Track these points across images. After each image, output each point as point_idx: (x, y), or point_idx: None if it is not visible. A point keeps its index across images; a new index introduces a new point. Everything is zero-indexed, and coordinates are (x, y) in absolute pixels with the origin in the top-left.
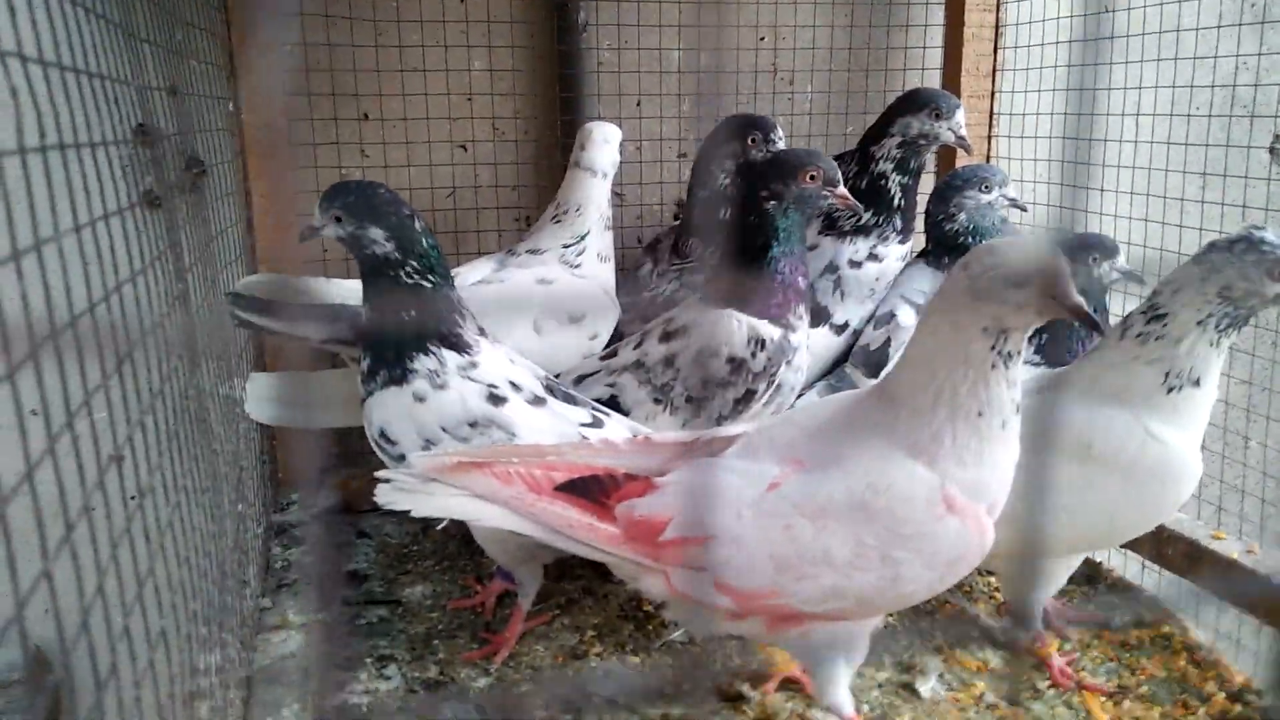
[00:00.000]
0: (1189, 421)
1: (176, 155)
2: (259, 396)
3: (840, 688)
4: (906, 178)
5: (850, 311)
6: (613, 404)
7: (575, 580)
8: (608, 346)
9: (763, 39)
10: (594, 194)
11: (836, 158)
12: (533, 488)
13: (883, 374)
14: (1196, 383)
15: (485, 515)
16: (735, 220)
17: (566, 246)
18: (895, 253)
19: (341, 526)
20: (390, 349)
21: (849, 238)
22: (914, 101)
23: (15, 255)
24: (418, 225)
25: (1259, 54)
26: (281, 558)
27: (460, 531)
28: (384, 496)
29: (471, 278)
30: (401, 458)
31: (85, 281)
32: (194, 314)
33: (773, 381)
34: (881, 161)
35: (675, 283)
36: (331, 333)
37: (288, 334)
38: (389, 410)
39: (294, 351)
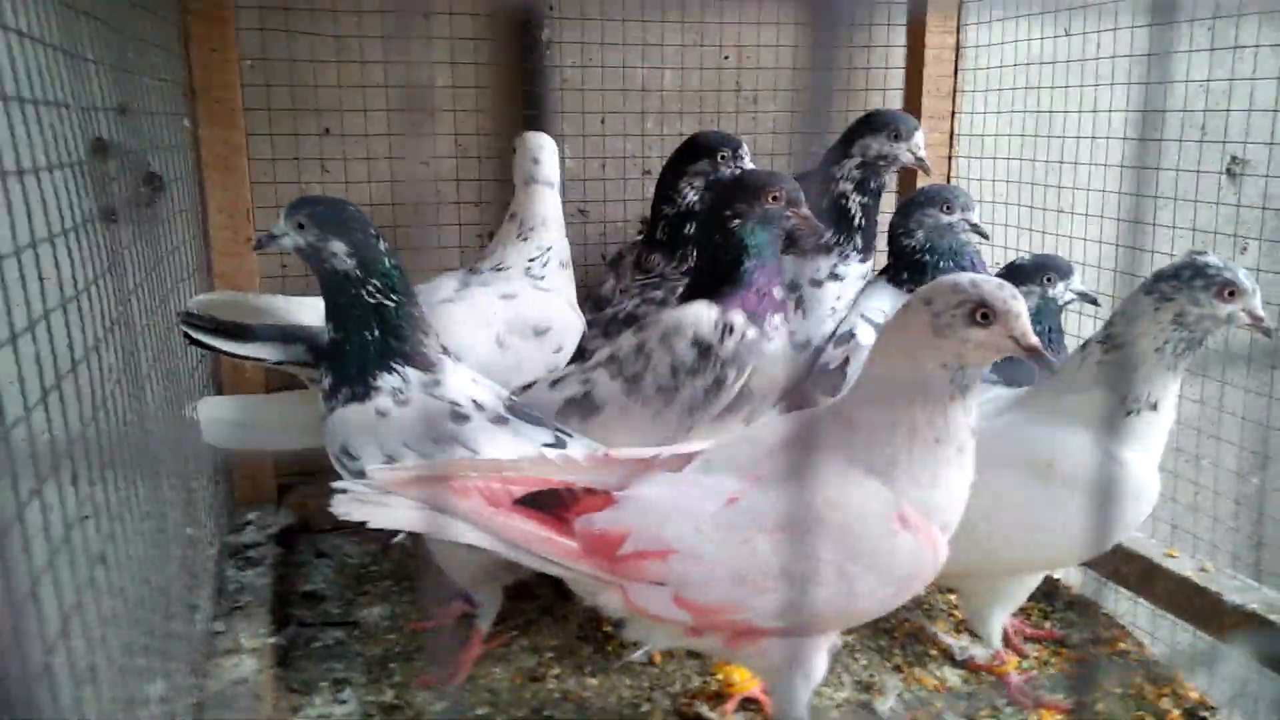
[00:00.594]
0: (1148, 443)
1: (132, 171)
2: (213, 419)
3: (799, 706)
4: (866, 198)
5: (811, 329)
6: (586, 401)
7: (534, 601)
8: (571, 362)
9: (726, 58)
10: (553, 207)
11: (799, 177)
12: (491, 501)
13: (840, 394)
14: (1154, 406)
15: (442, 528)
16: (702, 238)
17: (532, 260)
18: (856, 271)
19: (298, 546)
20: (353, 366)
21: (810, 256)
22: (873, 123)
23: None
24: (382, 245)
25: (1206, 81)
26: (235, 579)
27: (420, 552)
28: (340, 507)
29: (435, 296)
30: (362, 473)
31: (25, 304)
32: (137, 335)
33: (742, 374)
34: (842, 182)
35: (637, 299)
36: (288, 354)
37: (242, 356)
38: (350, 425)
39: (250, 372)
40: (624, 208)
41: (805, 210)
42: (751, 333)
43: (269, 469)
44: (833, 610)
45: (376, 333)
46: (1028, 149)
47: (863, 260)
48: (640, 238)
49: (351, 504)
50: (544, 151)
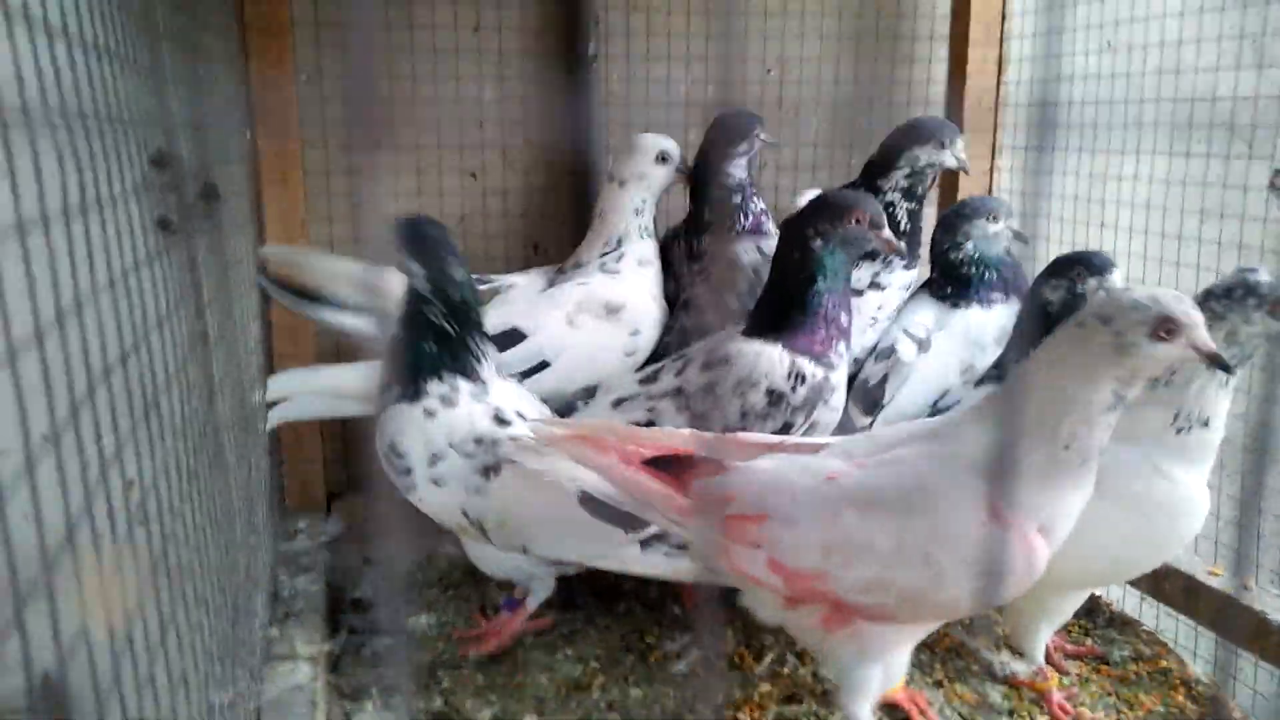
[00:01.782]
0: (1197, 460)
1: (192, 182)
2: (283, 392)
3: (865, 700)
4: (913, 203)
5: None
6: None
7: (578, 611)
8: (651, 360)
9: (770, 71)
10: (615, 201)
11: (842, 189)
12: (624, 459)
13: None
14: (1205, 423)
15: (582, 479)
16: (778, 257)
17: (604, 255)
18: (900, 280)
19: (348, 554)
20: (408, 369)
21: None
22: (919, 134)
23: (37, 331)
24: (457, 275)
25: (1255, 97)
26: (288, 586)
27: (465, 560)
28: (514, 450)
29: (520, 284)
30: (408, 471)
31: (117, 331)
32: (212, 349)
33: (810, 416)
34: (890, 192)
35: (703, 285)
36: (359, 325)
37: (325, 322)
38: (399, 423)
39: (300, 347)
40: (667, 219)
41: (887, 233)
42: (820, 375)
43: (318, 477)
44: (919, 596)
45: (434, 347)
46: (1070, 162)
47: (908, 268)
48: (682, 229)
49: (521, 451)
50: (626, 150)
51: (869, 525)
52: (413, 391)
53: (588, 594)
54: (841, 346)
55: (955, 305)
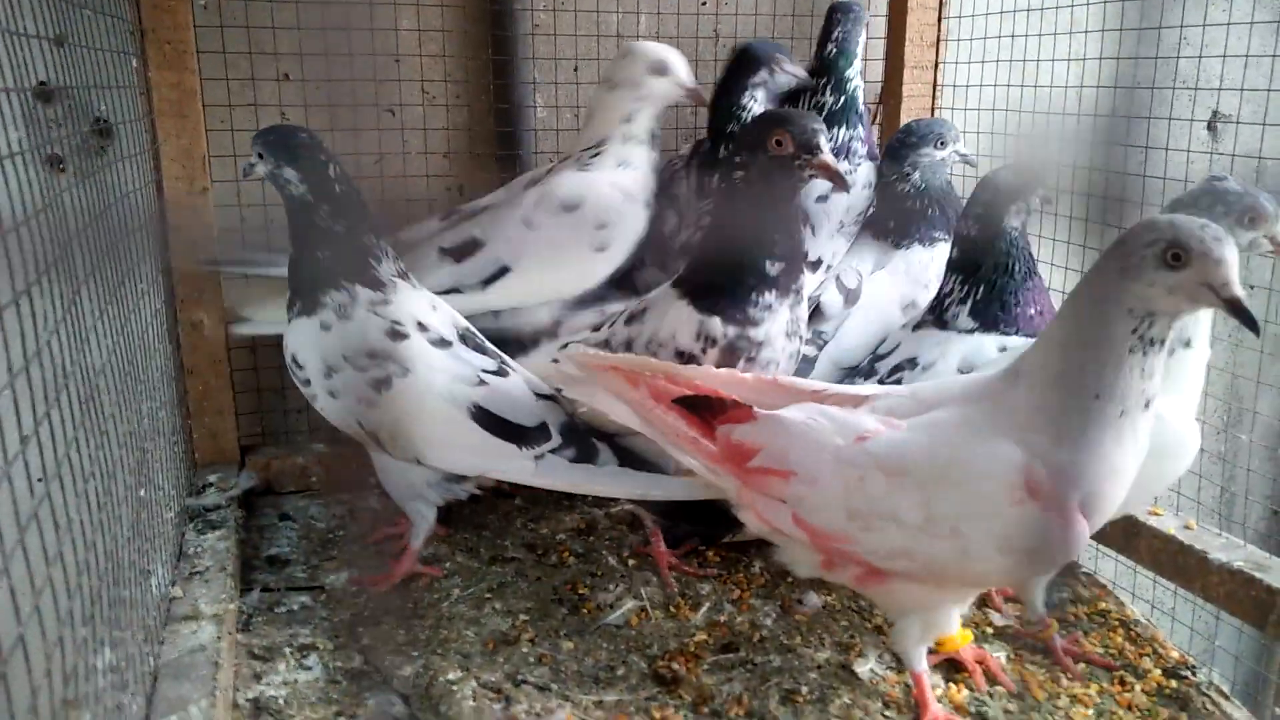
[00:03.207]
0: (1184, 384)
1: (80, 117)
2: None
3: (912, 641)
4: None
5: (822, 247)
6: None
7: (508, 563)
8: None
9: (704, 4)
10: (602, 104)
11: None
12: (654, 395)
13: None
14: (1187, 343)
15: (614, 411)
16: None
17: (584, 151)
18: (863, 176)
19: (262, 509)
20: (305, 283)
21: None
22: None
23: None
24: (332, 171)
25: (1202, 25)
26: (195, 544)
27: (386, 515)
28: (553, 373)
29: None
30: (307, 382)
31: None
32: (79, 283)
33: (741, 366)
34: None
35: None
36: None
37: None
38: (299, 337)
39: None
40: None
41: (825, 157)
42: (732, 334)
43: (230, 429)
44: (946, 567)
45: (327, 253)
46: (1012, 99)
47: (871, 157)
48: (690, 159)
49: (560, 375)
50: (621, 57)
51: (895, 494)
52: (310, 304)
53: (519, 546)
54: (769, 295)
55: (897, 245)
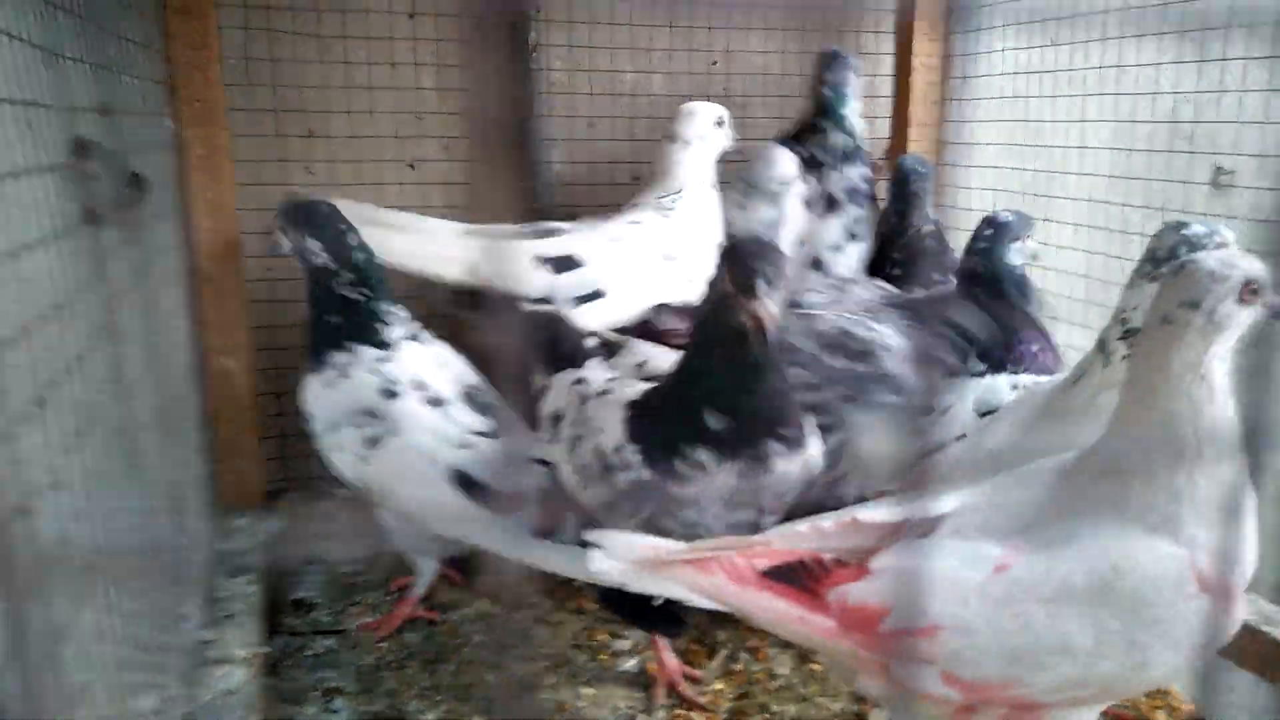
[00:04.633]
0: None
1: (115, 171)
2: None
3: None
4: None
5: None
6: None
7: (528, 610)
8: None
9: (714, 63)
10: (678, 157)
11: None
12: (733, 577)
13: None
14: None
15: (691, 599)
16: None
17: (660, 197)
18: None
19: (288, 554)
20: (316, 344)
21: (822, 217)
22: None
23: None
24: (351, 240)
25: (1195, 92)
26: (224, 587)
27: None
28: (596, 565)
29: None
30: (316, 435)
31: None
32: (124, 342)
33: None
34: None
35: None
36: None
37: None
38: (308, 393)
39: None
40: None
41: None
42: (644, 475)
43: (256, 475)
44: (1119, 684)
45: (338, 318)
46: (1015, 157)
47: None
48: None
49: (609, 567)
50: (684, 115)
51: (1061, 622)
52: (317, 363)
53: (539, 593)
54: (703, 454)
55: None
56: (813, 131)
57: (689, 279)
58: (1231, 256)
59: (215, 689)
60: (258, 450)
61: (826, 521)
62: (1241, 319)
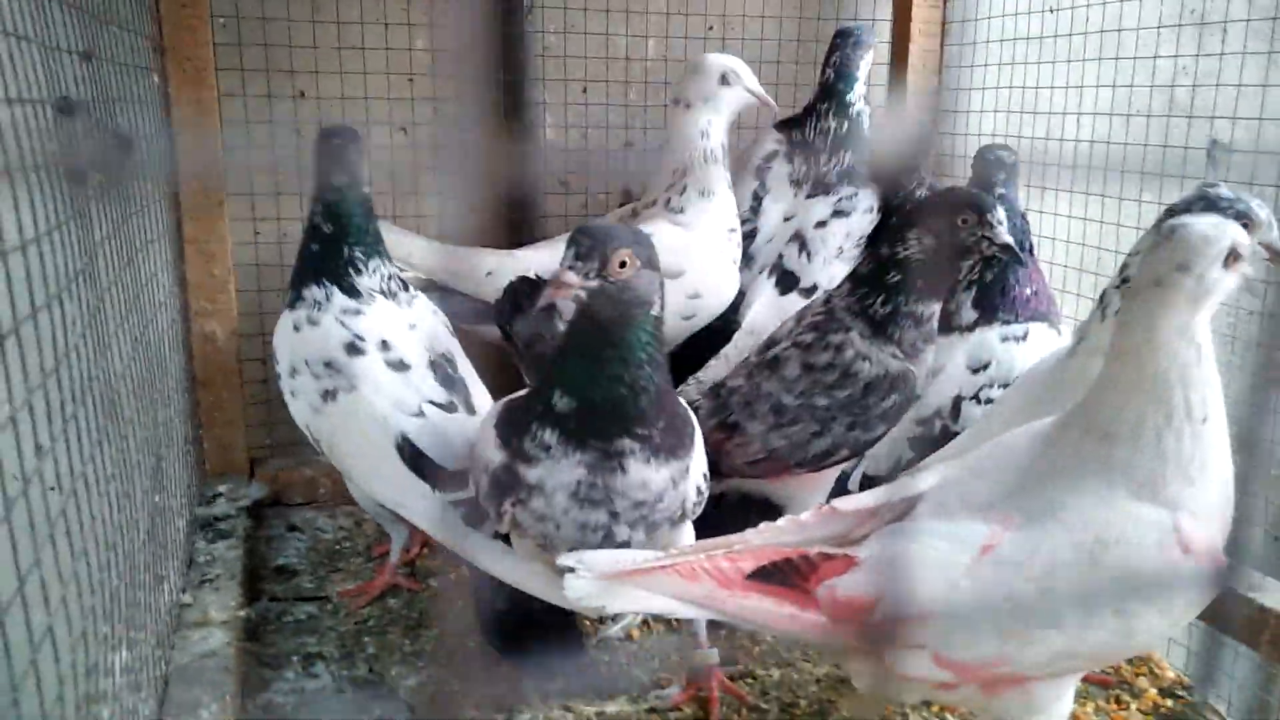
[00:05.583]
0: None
1: (100, 130)
2: None
3: None
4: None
5: (817, 273)
6: None
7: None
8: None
9: (711, 28)
10: (679, 125)
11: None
12: (722, 582)
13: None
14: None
15: (679, 611)
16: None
17: (668, 190)
18: (864, 201)
19: (271, 520)
20: (295, 273)
21: (810, 195)
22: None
23: None
24: (337, 177)
25: (1196, 55)
26: (206, 552)
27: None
28: (575, 590)
29: None
30: (279, 376)
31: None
32: (103, 291)
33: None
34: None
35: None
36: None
37: None
38: (280, 331)
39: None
40: (604, 178)
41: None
42: (498, 458)
43: (239, 440)
44: (1108, 650)
45: (315, 248)
46: (1013, 125)
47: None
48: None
49: (586, 586)
50: (689, 72)
51: (1050, 598)
52: (293, 297)
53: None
54: (549, 435)
55: None
56: (812, 115)
57: (692, 294)
58: (1221, 222)
59: (192, 652)
60: (242, 416)
61: (805, 514)
62: (1226, 284)
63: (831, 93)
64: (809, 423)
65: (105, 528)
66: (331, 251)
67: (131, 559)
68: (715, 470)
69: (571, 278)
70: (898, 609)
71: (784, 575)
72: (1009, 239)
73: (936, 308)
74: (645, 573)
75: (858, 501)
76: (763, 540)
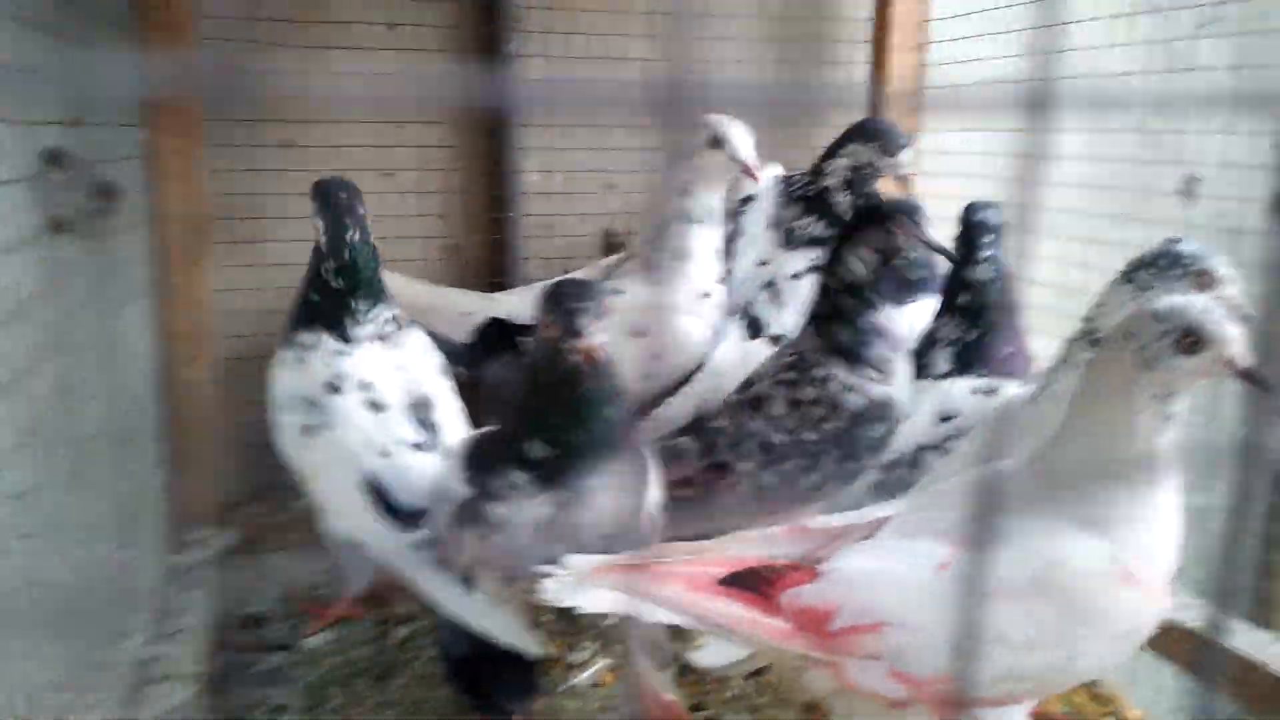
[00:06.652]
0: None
1: (85, 181)
2: None
3: None
4: (851, 197)
5: (785, 322)
6: None
7: None
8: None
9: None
10: (663, 178)
11: (788, 179)
12: (692, 586)
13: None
14: None
15: (648, 612)
16: None
17: (648, 243)
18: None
19: (243, 567)
20: (291, 319)
21: (800, 249)
22: (865, 131)
23: None
24: (351, 233)
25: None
26: (176, 600)
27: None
28: (549, 592)
29: None
30: (271, 412)
31: None
32: (81, 352)
33: None
34: (829, 178)
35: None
36: None
37: None
38: (272, 368)
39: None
40: (584, 221)
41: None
42: (463, 491)
43: (212, 487)
44: (1052, 675)
45: (317, 298)
46: (989, 164)
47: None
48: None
49: (562, 589)
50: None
51: (999, 616)
52: (287, 339)
53: None
54: (519, 477)
55: None
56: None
57: (654, 355)
58: (1190, 305)
59: (158, 707)
60: (214, 462)
61: (775, 529)
62: (1183, 366)
63: (851, 189)
64: (799, 458)
65: (69, 594)
66: (333, 305)
67: (97, 620)
68: (708, 513)
69: (601, 337)
70: (856, 619)
71: (752, 582)
72: (937, 241)
73: (896, 313)
74: (621, 570)
75: (826, 522)
76: (735, 549)
